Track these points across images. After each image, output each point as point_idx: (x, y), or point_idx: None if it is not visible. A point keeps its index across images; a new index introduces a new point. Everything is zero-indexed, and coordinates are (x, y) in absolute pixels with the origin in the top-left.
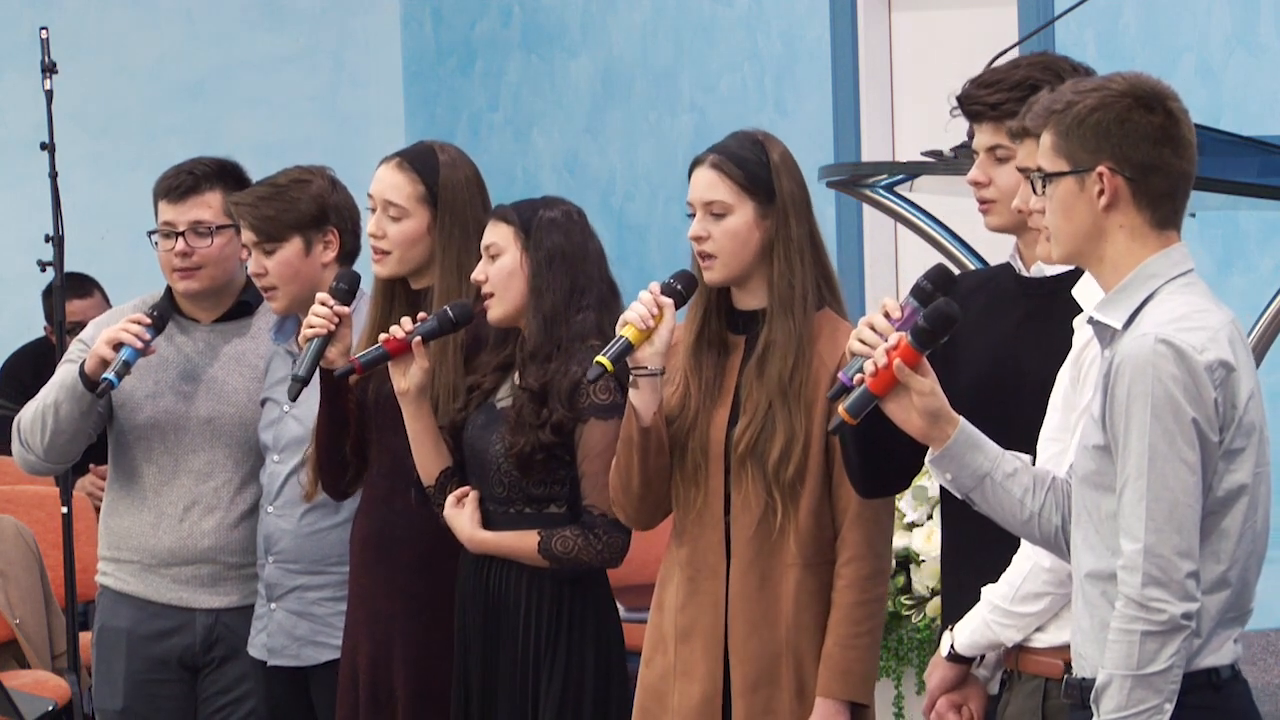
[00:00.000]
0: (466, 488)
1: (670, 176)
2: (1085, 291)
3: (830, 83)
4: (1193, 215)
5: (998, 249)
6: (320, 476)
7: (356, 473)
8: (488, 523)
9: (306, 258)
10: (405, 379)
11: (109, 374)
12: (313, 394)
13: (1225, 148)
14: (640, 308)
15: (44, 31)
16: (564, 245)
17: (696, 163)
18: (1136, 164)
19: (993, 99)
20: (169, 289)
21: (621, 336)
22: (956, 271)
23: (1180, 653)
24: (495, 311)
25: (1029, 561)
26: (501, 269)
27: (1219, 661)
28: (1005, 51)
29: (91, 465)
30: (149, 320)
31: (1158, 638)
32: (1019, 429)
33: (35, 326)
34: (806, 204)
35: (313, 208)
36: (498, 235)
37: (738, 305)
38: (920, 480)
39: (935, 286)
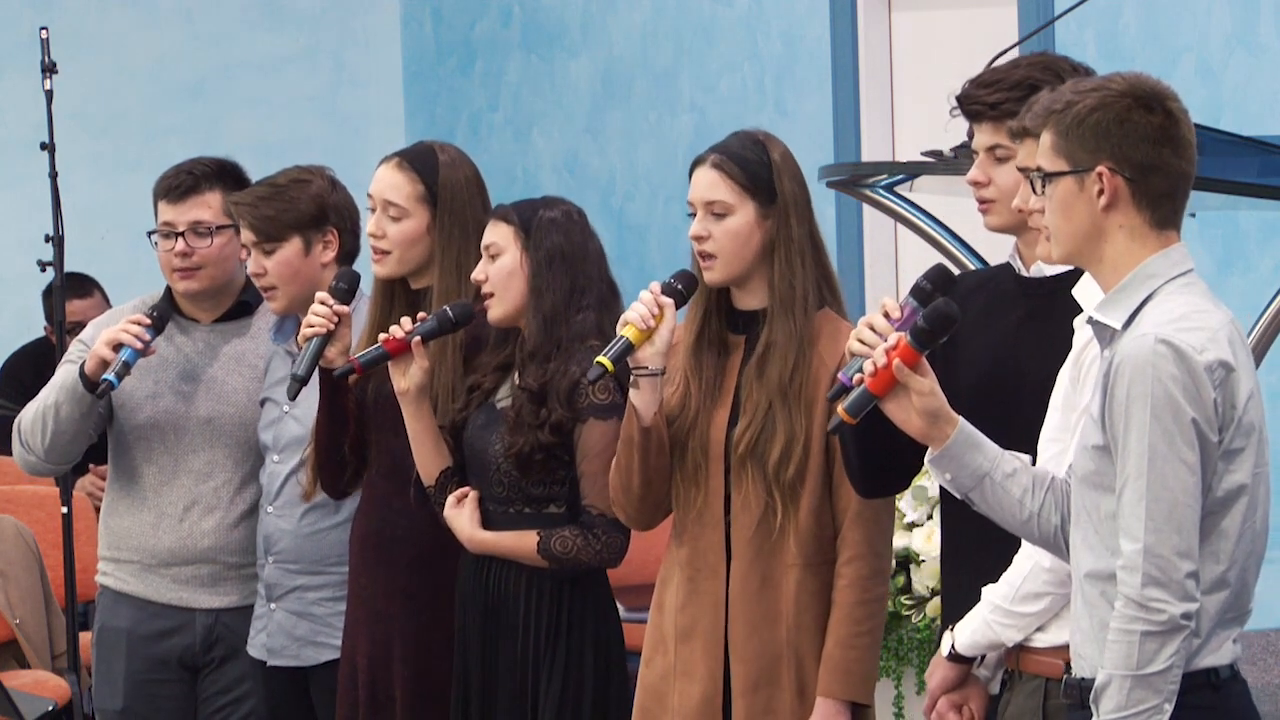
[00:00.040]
0: (466, 488)
1: (670, 176)
2: (1085, 291)
3: (830, 83)
4: (1193, 215)
5: (998, 249)
6: (319, 476)
7: (355, 472)
8: (487, 523)
9: (306, 258)
10: (405, 379)
11: (109, 375)
12: (312, 394)
13: (1225, 148)
14: (641, 308)
15: (44, 31)
16: (564, 245)
17: (697, 162)
18: (1136, 164)
19: (992, 99)
20: (169, 289)
21: (622, 336)
22: (956, 271)
23: (1180, 653)
24: (495, 311)
25: (1029, 561)
26: (501, 269)
27: (1218, 661)
28: (1005, 51)
29: (91, 465)
30: (149, 321)
31: (1157, 638)
32: (1019, 429)
33: (35, 326)
34: (807, 204)
35: (312, 208)
36: (498, 235)
37: (738, 305)
38: (920, 480)
39: (935, 286)
